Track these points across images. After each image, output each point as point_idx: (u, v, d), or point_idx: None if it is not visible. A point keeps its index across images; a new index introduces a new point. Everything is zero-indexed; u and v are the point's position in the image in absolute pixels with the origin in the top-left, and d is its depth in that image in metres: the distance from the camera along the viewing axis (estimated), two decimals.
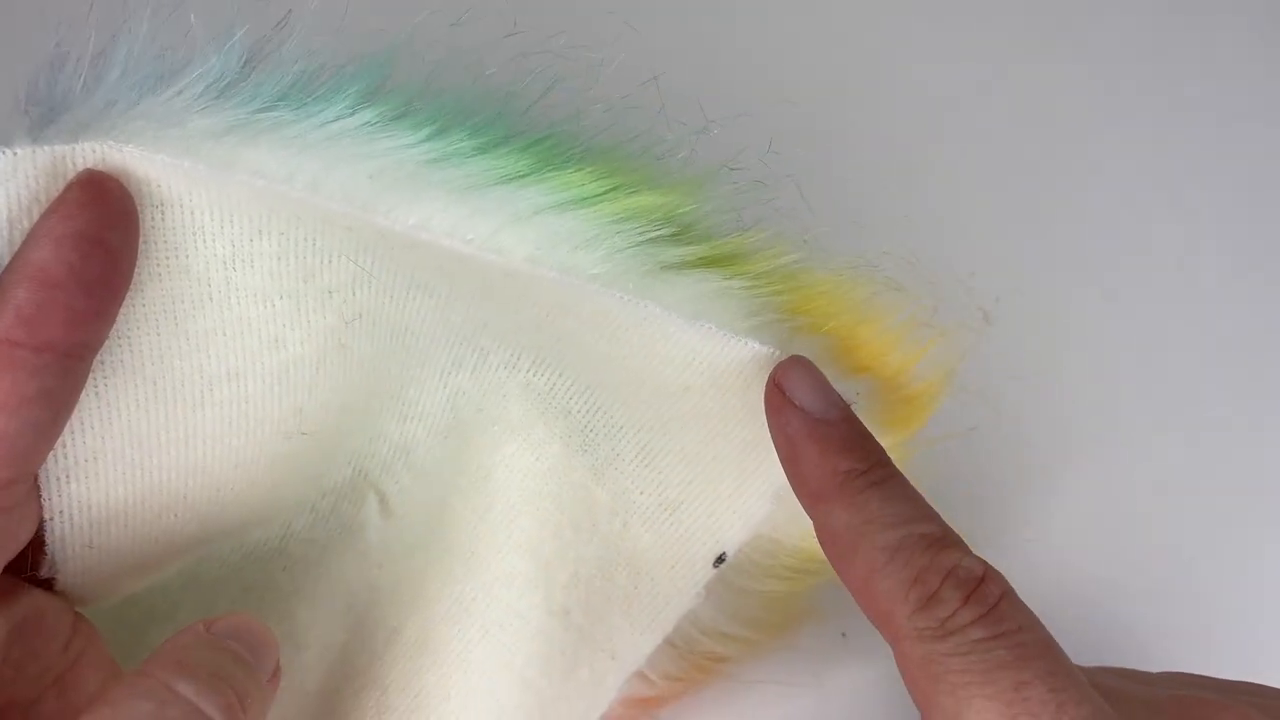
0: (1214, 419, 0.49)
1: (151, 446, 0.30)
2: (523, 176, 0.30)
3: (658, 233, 0.31)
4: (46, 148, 0.25)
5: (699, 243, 0.33)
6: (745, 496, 0.37)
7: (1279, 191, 0.54)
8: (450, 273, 0.31)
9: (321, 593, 0.37)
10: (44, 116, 0.25)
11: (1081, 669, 0.32)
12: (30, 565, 0.30)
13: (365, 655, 0.37)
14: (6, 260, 0.25)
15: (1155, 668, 0.34)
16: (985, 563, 0.27)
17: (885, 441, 0.31)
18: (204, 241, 0.28)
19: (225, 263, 0.28)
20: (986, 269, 0.46)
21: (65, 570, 0.31)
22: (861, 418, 0.32)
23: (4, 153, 0.25)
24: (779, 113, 0.41)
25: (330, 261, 0.30)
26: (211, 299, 0.29)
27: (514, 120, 0.30)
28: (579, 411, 0.37)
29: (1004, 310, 0.46)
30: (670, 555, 0.38)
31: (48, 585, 0.31)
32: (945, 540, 0.27)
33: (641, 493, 0.38)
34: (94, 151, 0.25)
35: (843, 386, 0.35)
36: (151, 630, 0.36)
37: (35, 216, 0.25)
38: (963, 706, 0.24)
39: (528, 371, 0.37)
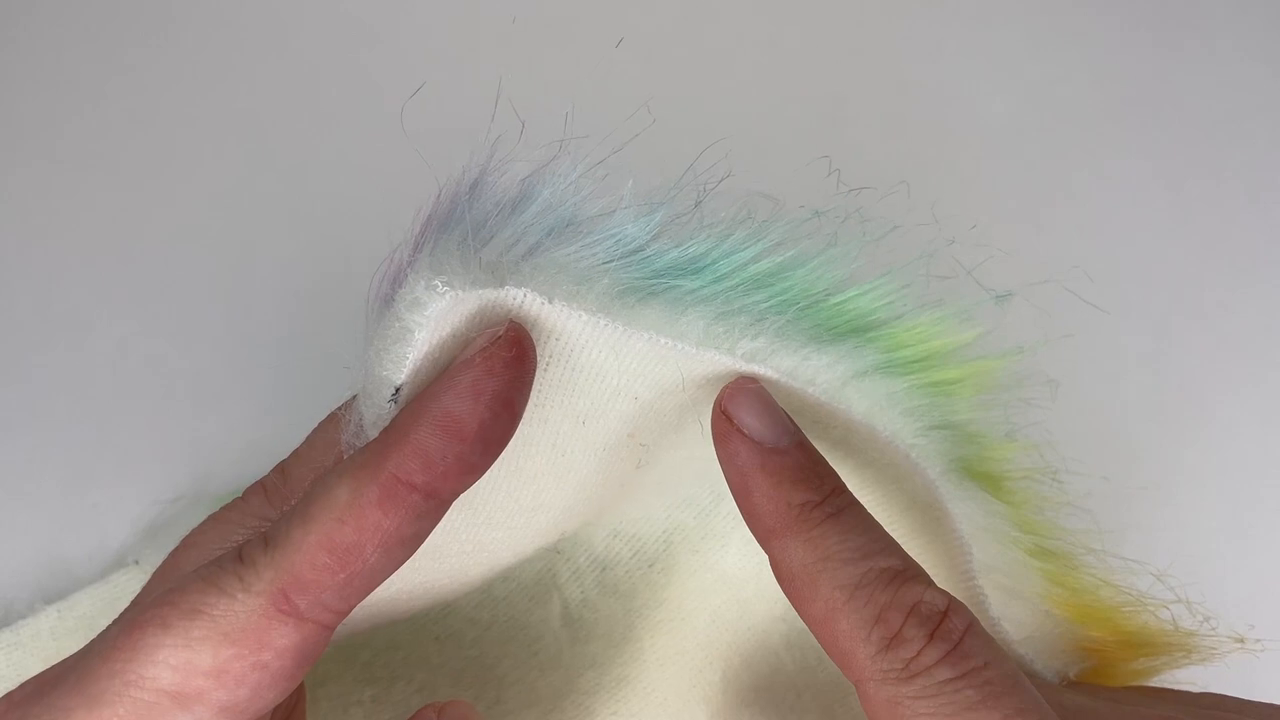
0: (1214, 419, 0.49)
1: (442, 555, 0.30)
2: (862, 333, 0.30)
3: (961, 415, 0.32)
4: (480, 292, 0.24)
5: (991, 451, 0.33)
6: None
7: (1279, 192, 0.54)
8: None
9: (470, 675, 0.37)
10: (463, 244, 0.24)
11: (1048, 687, 0.33)
12: None
13: None
14: (408, 390, 0.25)
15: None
16: (948, 595, 0.25)
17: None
18: (570, 398, 0.27)
19: (579, 419, 0.28)
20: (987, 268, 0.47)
21: None
22: None
23: (450, 293, 0.23)
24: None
25: (659, 421, 0.29)
26: (554, 447, 0.28)
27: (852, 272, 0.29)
28: None
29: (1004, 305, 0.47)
30: None
31: None
32: (906, 574, 0.26)
33: (823, 668, 0.37)
34: (515, 299, 0.24)
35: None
36: None
37: (447, 352, 0.25)
38: None
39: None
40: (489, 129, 0.24)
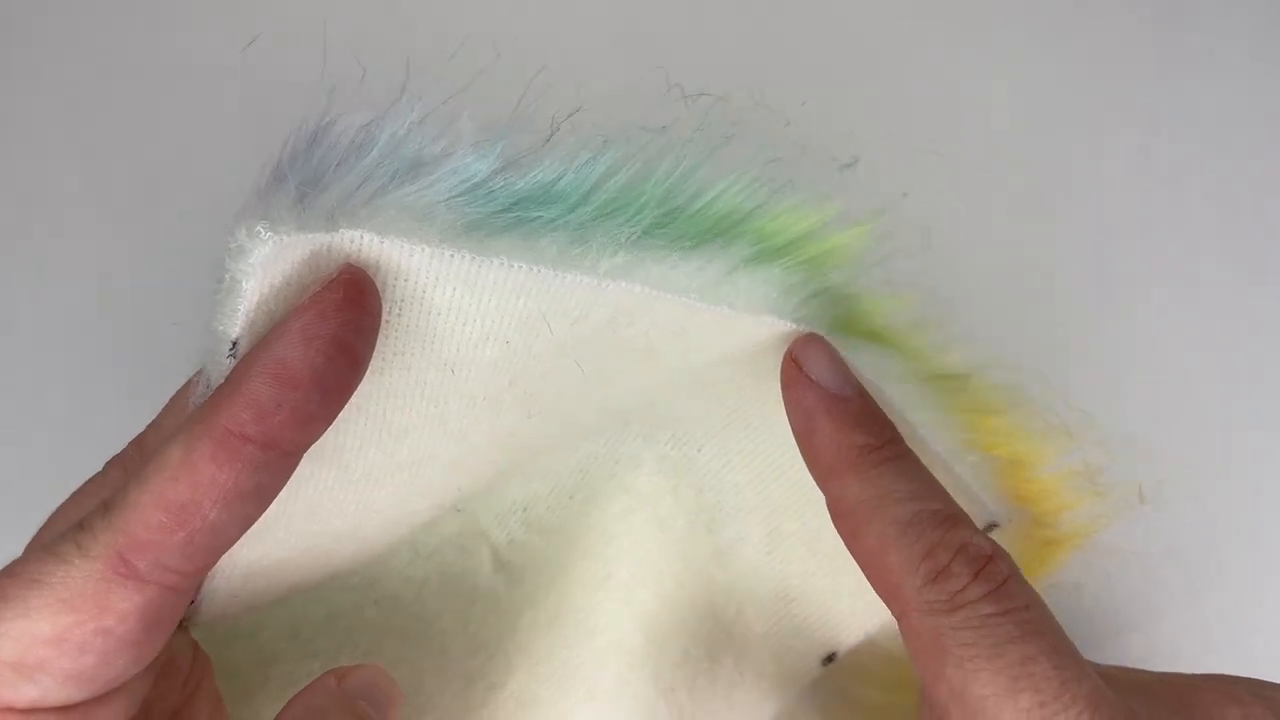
0: (1214, 419, 0.49)
1: (323, 517, 0.30)
2: (728, 231, 0.30)
3: (845, 284, 0.32)
4: (310, 236, 0.24)
5: (872, 306, 0.33)
6: (868, 595, 0.37)
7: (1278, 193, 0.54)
8: (643, 353, 0.31)
9: (413, 631, 0.37)
10: (300, 190, 0.23)
11: None
12: None
13: (460, 704, 0.37)
14: (245, 344, 0.24)
15: (1153, 668, 0.34)
16: (994, 542, 0.27)
17: None
18: (433, 344, 0.27)
19: (446, 366, 0.28)
20: (986, 268, 0.48)
21: (203, 614, 0.30)
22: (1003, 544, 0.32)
23: (271, 238, 0.23)
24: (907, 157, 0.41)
25: (538, 365, 0.29)
26: (422, 397, 0.28)
27: (702, 177, 0.30)
28: (711, 490, 0.37)
29: (1002, 306, 0.48)
30: (780, 646, 0.38)
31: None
32: (956, 518, 0.27)
33: (760, 580, 0.38)
34: (352, 241, 0.24)
35: (997, 507, 0.35)
36: (235, 645, 0.35)
37: (282, 301, 0.24)
38: (969, 678, 0.25)
39: (665, 444, 0.36)
40: (325, 78, 0.24)
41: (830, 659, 0.38)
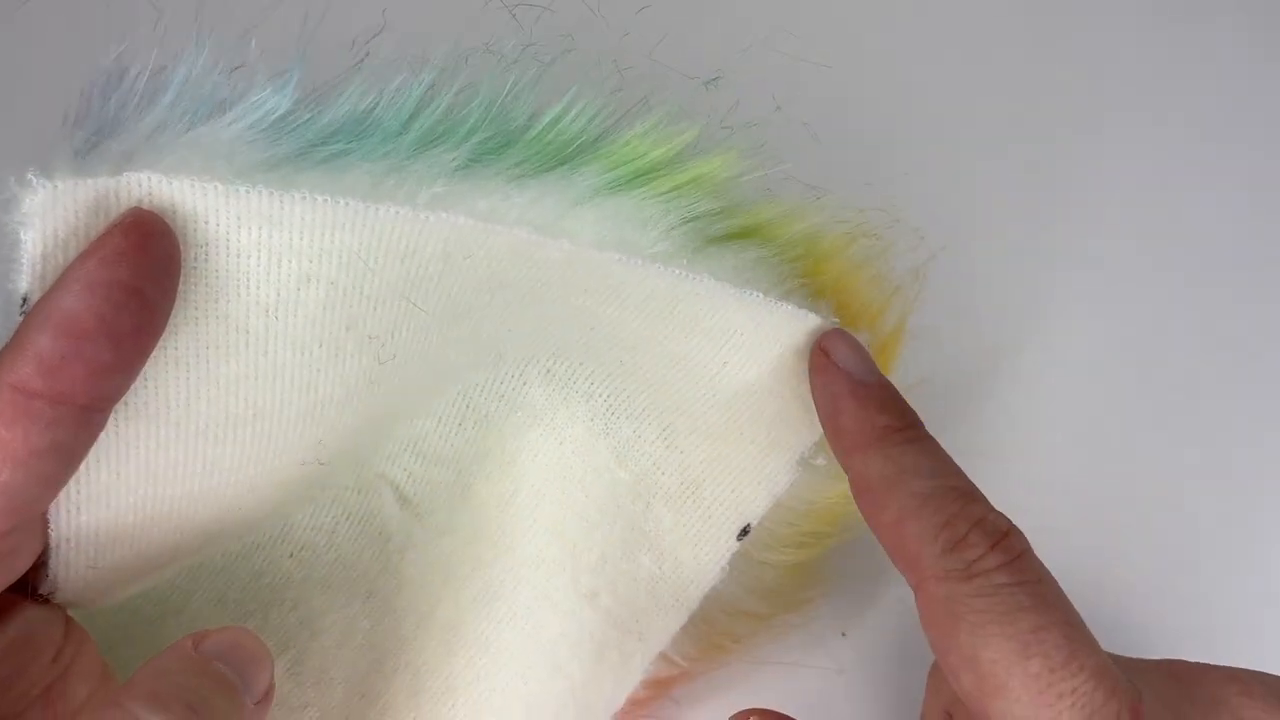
0: (1214, 419, 0.50)
1: (167, 479, 0.29)
2: (571, 160, 0.30)
3: (703, 207, 0.32)
4: (90, 180, 0.23)
5: (735, 214, 0.33)
6: (770, 466, 0.38)
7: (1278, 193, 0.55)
8: (493, 286, 0.31)
9: (336, 579, 0.37)
10: (89, 139, 0.23)
11: None
12: (29, 584, 0.29)
13: (394, 640, 0.37)
14: (36, 298, 0.24)
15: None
16: (1010, 520, 0.28)
17: None
18: (247, 287, 0.26)
19: (267, 310, 0.27)
20: (985, 266, 0.48)
21: (65, 588, 0.30)
22: None
23: (44, 185, 0.22)
24: (781, 70, 0.41)
25: (376, 307, 0.28)
26: (247, 345, 0.27)
27: (529, 98, 0.29)
28: (601, 395, 0.37)
29: (1001, 307, 0.48)
30: (694, 533, 0.39)
31: (41, 597, 0.30)
32: (974, 495, 0.28)
33: (663, 473, 0.38)
34: (140, 184, 0.24)
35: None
36: (169, 622, 0.35)
37: (72, 251, 0.23)
38: (980, 645, 0.25)
39: (547, 360, 0.37)
40: (114, 23, 0.23)
41: (745, 532, 0.39)
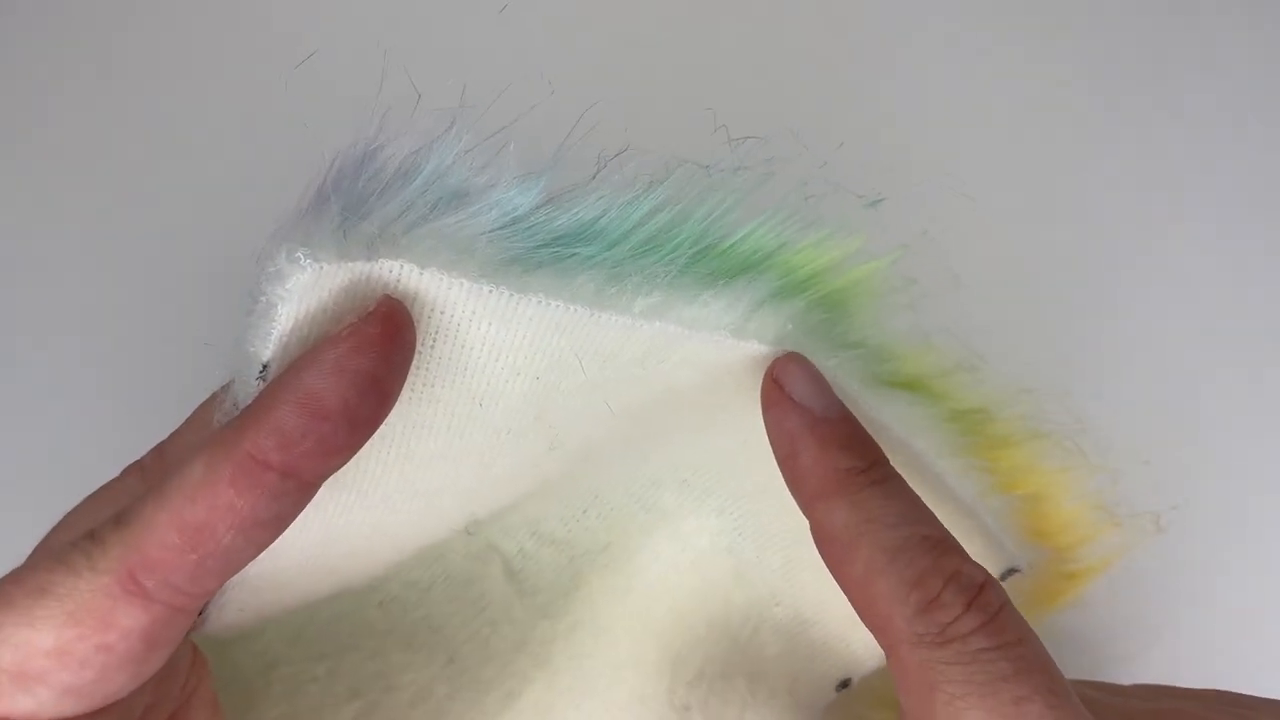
0: (1215, 419, 0.50)
1: (336, 539, 0.29)
2: (755, 267, 0.30)
3: (861, 335, 0.32)
4: (349, 264, 0.23)
5: (894, 356, 0.33)
6: None
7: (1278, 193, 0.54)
8: (664, 392, 0.31)
9: (419, 638, 0.37)
10: (343, 216, 0.23)
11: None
12: None
13: (474, 712, 0.37)
14: (276, 367, 0.24)
15: (1152, 670, 0.35)
16: (986, 570, 0.26)
17: (1032, 614, 0.30)
18: (464, 376, 0.27)
19: (476, 398, 0.27)
20: (987, 269, 0.47)
21: (209, 626, 0.30)
22: (1021, 586, 0.32)
23: (311, 266, 0.23)
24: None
25: (567, 401, 0.29)
26: (449, 428, 0.28)
27: (736, 216, 0.29)
28: (732, 513, 0.37)
29: (1001, 311, 0.47)
30: (795, 669, 0.38)
31: None
32: (946, 544, 0.26)
33: (778, 604, 0.38)
34: (391, 271, 0.24)
35: (1019, 550, 0.35)
36: (236, 647, 0.35)
37: (317, 327, 0.24)
38: (959, 716, 0.24)
39: (687, 471, 0.36)
40: (378, 99, 0.23)
41: (845, 684, 0.38)
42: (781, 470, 0.29)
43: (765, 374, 0.29)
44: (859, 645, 0.38)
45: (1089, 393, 0.46)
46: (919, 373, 0.33)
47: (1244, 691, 0.32)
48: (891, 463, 0.30)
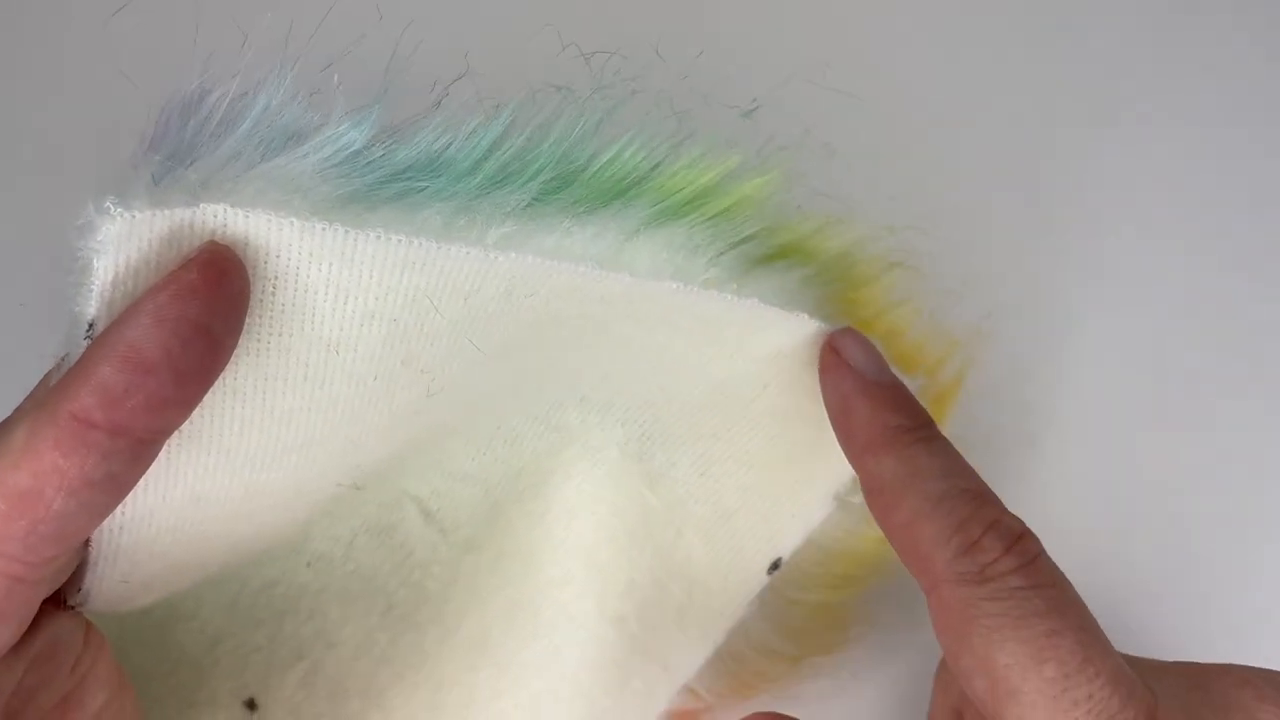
0: (1214, 419, 0.50)
1: (209, 502, 0.28)
2: (626, 193, 0.30)
3: (747, 229, 0.32)
4: (167, 211, 0.22)
5: (775, 233, 0.33)
6: (805, 499, 0.38)
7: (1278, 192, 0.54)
8: (545, 322, 0.31)
9: (354, 591, 0.36)
10: (165, 165, 0.22)
11: None
12: (60, 595, 0.28)
13: (416, 654, 0.37)
14: (102, 325, 0.23)
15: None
16: (1023, 522, 0.27)
17: None
18: (312, 323, 0.26)
19: (329, 346, 0.26)
20: (986, 271, 0.48)
21: (95, 599, 0.29)
22: None
23: (123, 214, 0.22)
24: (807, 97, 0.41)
25: (433, 343, 0.28)
26: (306, 379, 0.27)
27: (594, 138, 0.29)
28: (637, 421, 0.37)
29: (1002, 310, 0.47)
30: (724, 563, 0.39)
31: (69, 607, 0.29)
32: (988, 496, 0.28)
33: (696, 502, 0.38)
34: (216, 216, 0.23)
35: None
36: (179, 626, 0.35)
37: (142, 280, 0.23)
38: (994, 648, 0.25)
39: (586, 387, 0.36)
40: (199, 45, 0.22)
41: (775, 566, 0.39)
42: (834, 427, 0.31)
43: (824, 344, 0.32)
44: (784, 524, 0.38)
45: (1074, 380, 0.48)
46: (790, 239, 0.34)
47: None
48: None
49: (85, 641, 0.28)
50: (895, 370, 0.33)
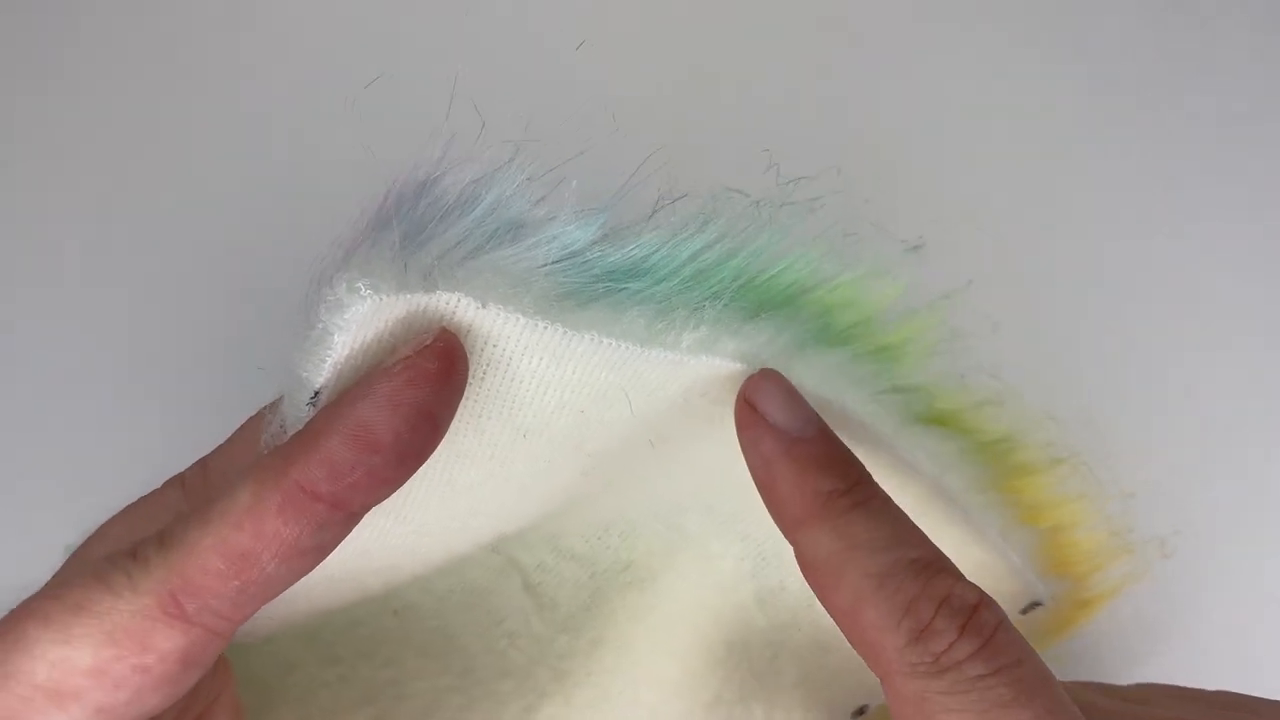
0: (1215, 419, 0.49)
1: (369, 558, 0.29)
2: (792, 302, 0.30)
3: (908, 380, 0.32)
4: (409, 296, 0.23)
5: (938, 399, 0.33)
6: None
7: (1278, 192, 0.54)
8: (698, 425, 0.31)
9: (434, 647, 0.36)
10: (408, 248, 0.23)
11: (1067, 687, 0.32)
12: None
13: None
14: (327, 395, 0.24)
15: (1155, 669, 0.35)
16: (978, 589, 0.25)
17: (1046, 642, 0.30)
18: (511, 409, 0.26)
19: (521, 431, 0.27)
20: (986, 272, 0.46)
21: (240, 635, 0.29)
22: (1039, 616, 0.32)
23: (371, 297, 0.22)
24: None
25: (608, 432, 0.29)
26: (492, 458, 0.28)
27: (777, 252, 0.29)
28: (757, 539, 0.37)
29: (1004, 313, 0.45)
30: (811, 698, 0.38)
31: None
32: (935, 564, 0.25)
33: (799, 629, 0.38)
34: (448, 304, 0.23)
35: (1038, 586, 0.36)
36: (253, 653, 0.35)
37: (370, 355, 0.24)
38: None
39: (712, 497, 0.36)
40: (443, 126, 0.22)
41: (861, 712, 0.38)
42: (761, 496, 0.28)
43: (738, 394, 0.28)
44: None
45: (1106, 415, 0.46)
46: (951, 408, 0.34)
47: (1246, 692, 0.32)
48: (929, 499, 0.30)
49: (216, 668, 0.29)
50: (1047, 569, 0.32)
